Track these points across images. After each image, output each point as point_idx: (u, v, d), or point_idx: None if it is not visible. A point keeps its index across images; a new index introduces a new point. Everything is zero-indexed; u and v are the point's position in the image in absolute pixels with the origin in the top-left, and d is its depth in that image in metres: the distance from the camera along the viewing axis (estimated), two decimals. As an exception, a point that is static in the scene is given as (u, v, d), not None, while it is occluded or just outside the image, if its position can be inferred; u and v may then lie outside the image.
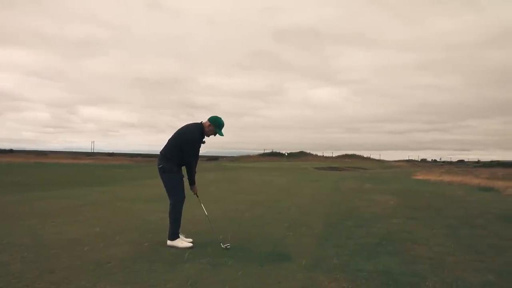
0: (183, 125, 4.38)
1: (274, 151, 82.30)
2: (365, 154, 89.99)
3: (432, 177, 22.16)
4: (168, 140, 4.31)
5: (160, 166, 4.21)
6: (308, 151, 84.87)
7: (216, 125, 4.26)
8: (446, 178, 20.86)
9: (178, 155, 4.20)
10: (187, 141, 4.17)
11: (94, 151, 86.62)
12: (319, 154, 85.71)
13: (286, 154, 68.21)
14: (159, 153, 4.36)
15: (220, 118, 4.32)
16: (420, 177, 22.98)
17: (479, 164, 64.32)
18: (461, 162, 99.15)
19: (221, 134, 4.31)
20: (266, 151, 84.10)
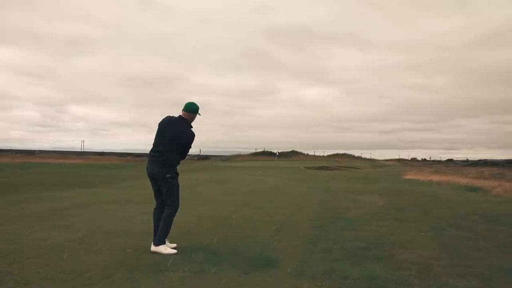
0: (170, 122, 4.27)
1: (265, 150, 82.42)
2: (356, 153, 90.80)
3: (422, 177, 22.37)
4: (163, 143, 4.18)
5: (169, 175, 4.12)
6: (299, 151, 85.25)
7: (194, 112, 4.32)
8: (435, 177, 21.09)
9: (177, 157, 4.24)
10: (191, 140, 4.28)
11: (85, 150, 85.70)
12: (311, 153, 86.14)
13: (278, 153, 68.24)
14: (154, 159, 4.20)
15: (194, 103, 4.35)
16: (410, 176, 23.19)
17: (467, 163, 65.16)
18: (450, 161, 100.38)
19: (199, 114, 4.39)
20: (257, 151, 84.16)
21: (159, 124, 4.33)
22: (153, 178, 4.26)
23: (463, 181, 17.97)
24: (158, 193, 4.30)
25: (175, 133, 4.18)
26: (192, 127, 4.35)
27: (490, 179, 19.98)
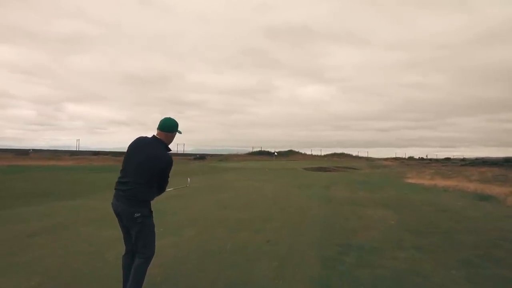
0: (140, 145, 3.34)
1: (262, 149, 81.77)
2: (353, 152, 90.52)
3: (424, 180, 21.60)
4: (131, 173, 3.24)
5: (139, 215, 3.20)
6: (296, 150, 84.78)
7: (172, 130, 3.42)
8: (439, 181, 20.31)
9: (150, 191, 3.29)
10: (168, 168, 3.32)
11: (80, 149, 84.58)
12: (308, 152, 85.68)
13: (275, 153, 67.42)
14: (119, 194, 3.29)
15: (171, 119, 3.45)
16: (412, 180, 22.40)
17: (465, 163, 64.59)
18: (447, 160, 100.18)
19: (180, 132, 3.51)
20: (255, 150, 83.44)
21: (128, 147, 3.40)
22: (119, 216, 3.34)
23: (470, 186, 17.18)
24: (127, 236, 3.38)
25: (147, 158, 3.24)
26: (170, 150, 3.42)
27: (496, 183, 19.23)
